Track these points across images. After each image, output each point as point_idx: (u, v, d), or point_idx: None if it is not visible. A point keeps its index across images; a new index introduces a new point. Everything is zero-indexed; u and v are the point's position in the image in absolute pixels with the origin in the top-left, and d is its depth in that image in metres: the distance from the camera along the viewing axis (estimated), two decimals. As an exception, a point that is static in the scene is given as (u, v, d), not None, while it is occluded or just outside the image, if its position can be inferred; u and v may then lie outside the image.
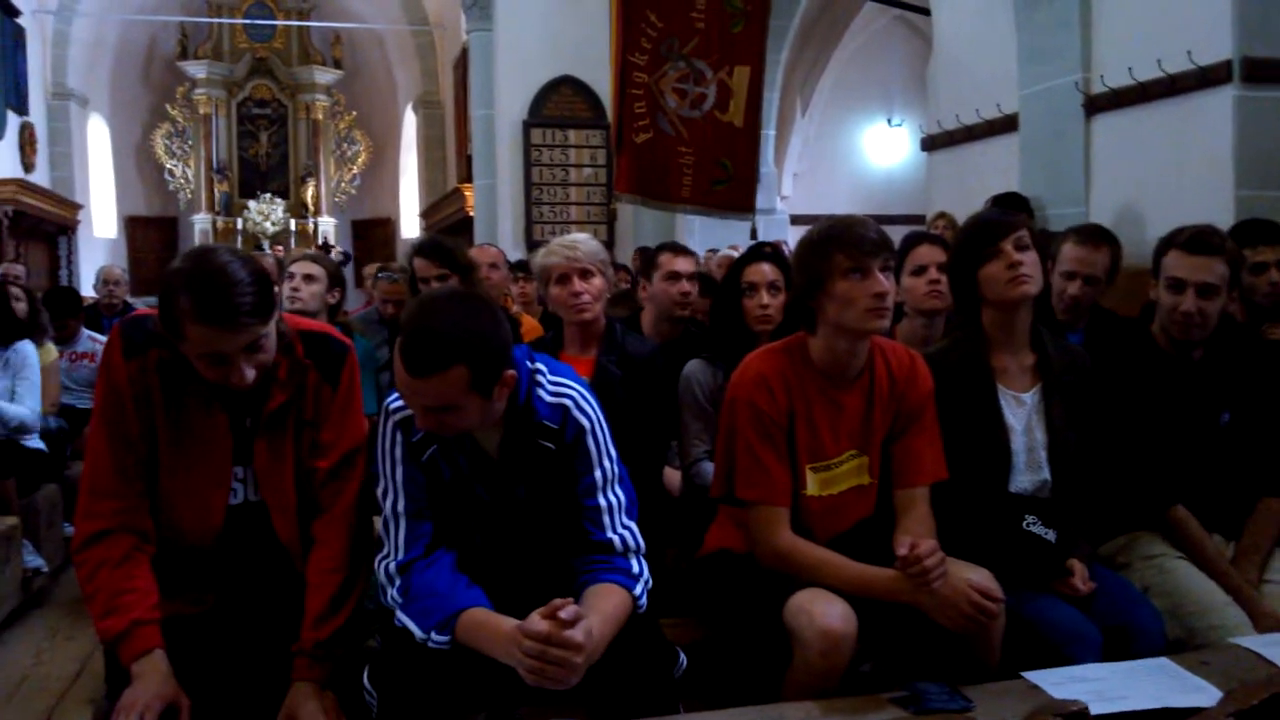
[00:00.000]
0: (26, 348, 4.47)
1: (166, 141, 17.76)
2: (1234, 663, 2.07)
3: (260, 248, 16.35)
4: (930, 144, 6.64)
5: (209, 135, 17.70)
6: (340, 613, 2.06)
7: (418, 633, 1.92)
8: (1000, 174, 5.61)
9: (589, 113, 11.29)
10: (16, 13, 13.06)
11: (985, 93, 5.88)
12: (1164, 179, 4.53)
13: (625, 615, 1.95)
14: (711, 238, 8.85)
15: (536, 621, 1.74)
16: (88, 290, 9.55)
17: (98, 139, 17.16)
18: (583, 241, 2.98)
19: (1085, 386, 2.54)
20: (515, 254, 8.77)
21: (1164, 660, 2.10)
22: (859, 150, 13.33)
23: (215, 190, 17.71)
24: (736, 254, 6.87)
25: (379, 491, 2.07)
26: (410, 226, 18.48)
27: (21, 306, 4.94)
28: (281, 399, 2.09)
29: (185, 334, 1.89)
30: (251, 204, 17.80)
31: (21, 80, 13.45)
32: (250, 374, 1.95)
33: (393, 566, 2.02)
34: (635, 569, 2.05)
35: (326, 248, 15.69)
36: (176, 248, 17.95)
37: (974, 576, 2.04)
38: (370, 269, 7.22)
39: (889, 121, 13.19)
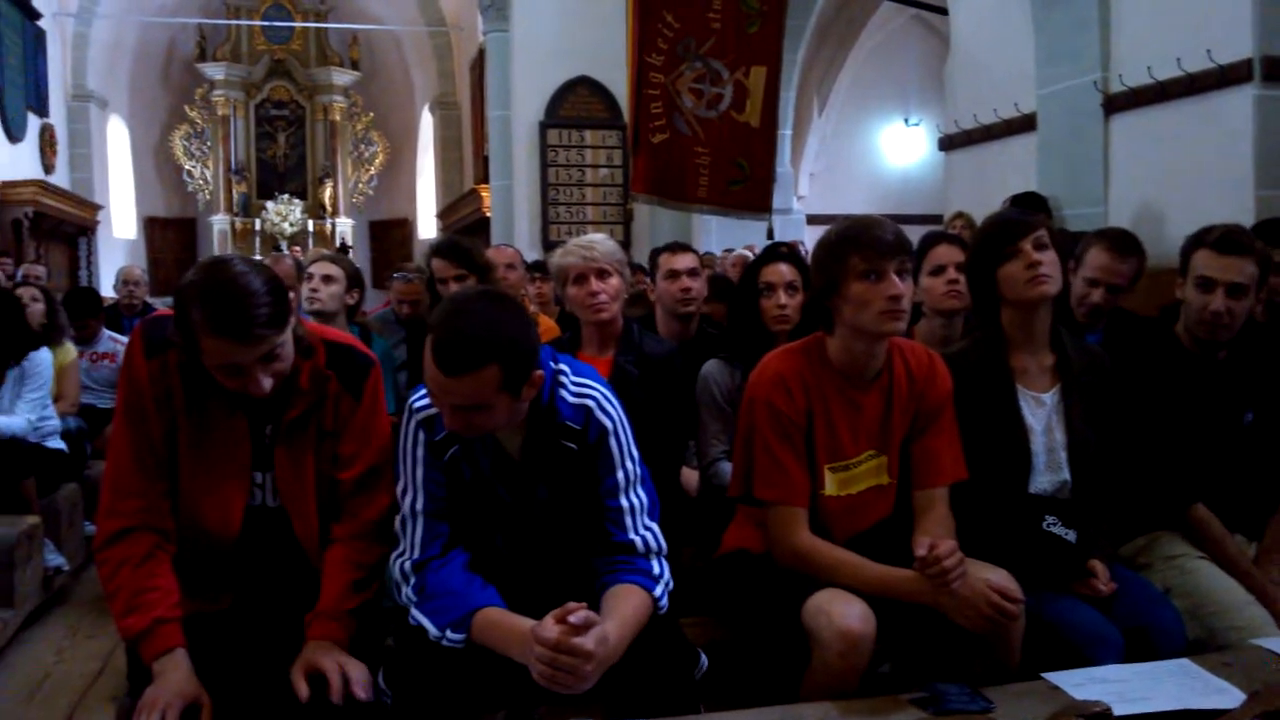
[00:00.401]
0: (41, 357, 4.46)
1: (185, 143, 17.86)
2: (1257, 664, 2.07)
3: (278, 248, 16.43)
4: (948, 144, 6.63)
5: (227, 136, 17.79)
6: (357, 597, 2.07)
7: (433, 631, 1.93)
8: (1018, 174, 5.60)
9: (605, 113, 11.31)
10: (37, 15, 13.16)
11: (1003, 92, 5.87)
12: (1183, 179, 4.51)
13: (645, 617, 1.95)
14: (728, 238, 8.86)
15: (548, 626, 1.74)
16: (107, 291, 9.60)
17: (117, 140, 17.27)
18: (600, 242, 2.98)
19: (1105, 387, 2.52)
20: (532, 254, 8.78)
21: (1186, 661, 2.09)
22: (876, 150, 13.31)
23: (233, 191, 17.80)
24: (750, 254, 6.90)
25: (398, 489, 2.08)
26: (427, 227, 18.53)
27: (40, 308, 4.98)
28: (302, 407, 2.09)
29: (200, 346, 1.89)
30: (269, 205, 17.87)
31: (42, 82, 13.56)
32: (267, 383, 1.95)
33: (408, 565, 2.02)
34: (656, 570, 2.05)
35: (345, 249, 15.74)
36: (195, 248, 18.12)
37: (993, 577, 2.03)
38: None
39: (906, 121, 13.17)
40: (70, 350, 5.11)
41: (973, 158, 6.37)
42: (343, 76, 18.39)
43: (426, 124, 18.71)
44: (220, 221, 17.62)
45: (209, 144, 17.91)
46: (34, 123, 13.21)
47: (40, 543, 4.14)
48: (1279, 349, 2.80)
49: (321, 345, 2.12)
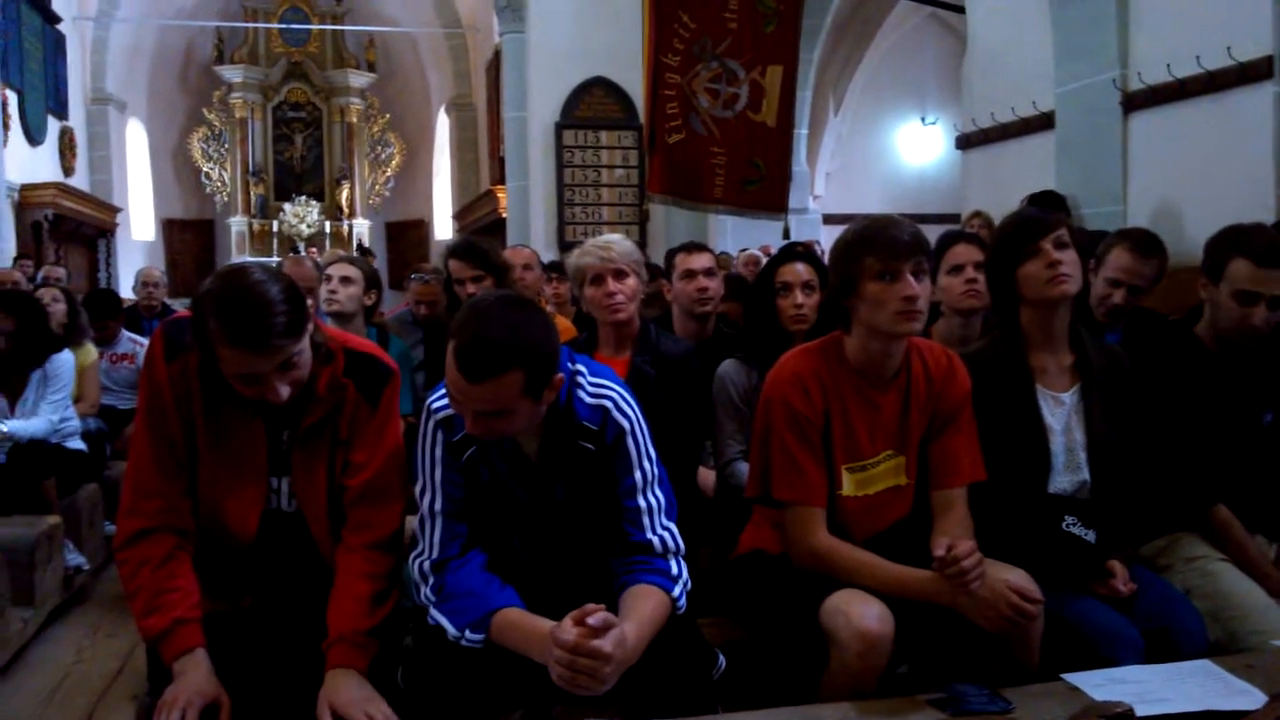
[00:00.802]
0: (63, 359, 4.49)
1: (203, 145, 17.96)
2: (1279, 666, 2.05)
3: (295, 250, 16.50)
4: (965, 142, 6.61)
5: (245, 139, 17.89)
6: (378, 612, 2.06)
7: (451, 631, 1.93)
8: (1036, 172, 5.57)
9: (621, 114, 11.31)
10: (57, 19, 13.28)
11: (1021, 90, 5.85)
12: (1203, 177, 4.48)
13: (664, 617, 1.94)
14: (744, 238, 8.85)
15: (567, 628, 1.74)
16: (126, 292, 9.66)
17: (136, 143, 17.39)
18: (616, 242, 2.98)
19: (1125, 386, 2.50)
20: (548, 255, 8.80)
21: (1207, 662, 2.07)
22: (892, 149, 13.28)
23: (251, 193, 17.89)
24: (763, 254, 6.90)
25: (417, 490, 2.08)
26: (443, 228, 18.59)
27: (61, 309, 5.01)
28: (319, 414, 2.09)
29: (218, 355, 1.89)
30: (287, 206, 17.97)
31: (61, 85, 13.68)
32: (285, 391, 1.95)
33: (427, 565, 2.03)
34: (674, 570, 2.04)
35: (365, 251, 15.80)
36: (213, 250, 18.24)
37: (1012, 577, 2.02)
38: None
39: (922, 120, 13.13)
40: (91, 351, 5.16)
41: (990, 156, 6.35)
42: (359, 78, 18.46)
43: (443, 125, 18.77)
44: (238, 223, 17.73)
45: (227, 146, 18.01)
46: (54, 126, 13.33)
47: (60, 543, 4.17)
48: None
49: (341, 352, 2.12)
